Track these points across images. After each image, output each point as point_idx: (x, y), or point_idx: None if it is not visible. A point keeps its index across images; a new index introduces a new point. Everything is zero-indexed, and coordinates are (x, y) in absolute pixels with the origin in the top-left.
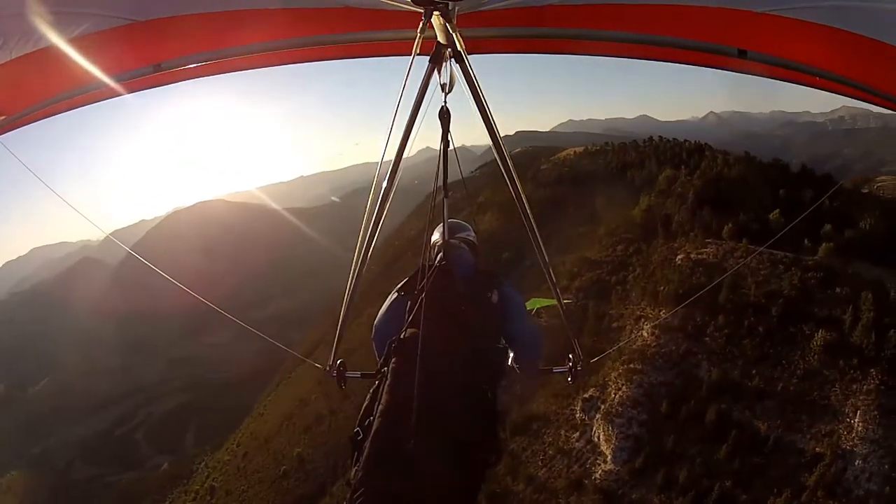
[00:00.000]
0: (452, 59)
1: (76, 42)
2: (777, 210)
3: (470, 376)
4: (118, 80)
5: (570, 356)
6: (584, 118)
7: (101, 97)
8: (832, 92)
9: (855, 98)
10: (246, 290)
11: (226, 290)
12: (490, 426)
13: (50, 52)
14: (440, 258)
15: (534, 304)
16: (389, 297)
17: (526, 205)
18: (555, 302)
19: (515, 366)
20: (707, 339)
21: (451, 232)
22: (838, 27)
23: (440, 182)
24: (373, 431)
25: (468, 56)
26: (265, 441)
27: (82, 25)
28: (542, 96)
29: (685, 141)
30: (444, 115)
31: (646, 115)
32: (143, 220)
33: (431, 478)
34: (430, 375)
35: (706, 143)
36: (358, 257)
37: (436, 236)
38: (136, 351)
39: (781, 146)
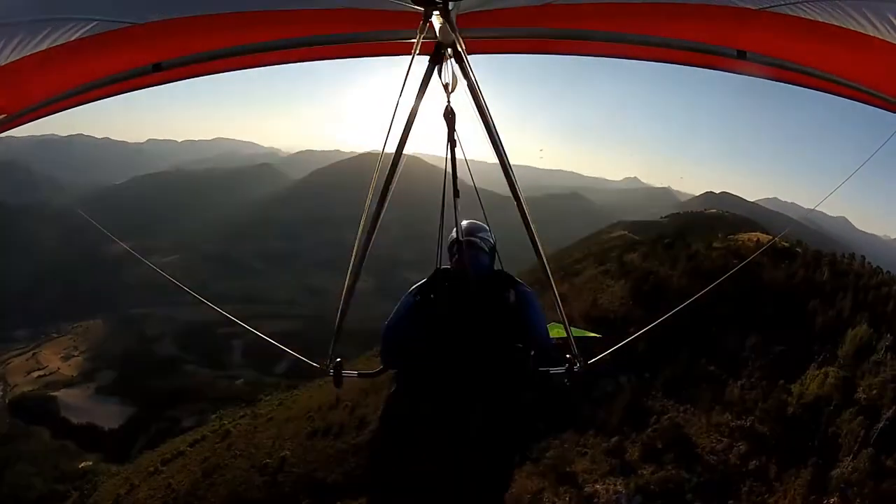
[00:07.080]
0: (453, 59)
1: (76, 44)
2: None
3: (491, 378)
4: (117, 79)
5: (568, 357)
6: (789, 200)
7: (101, 96)
8: (832, 94)
9: (854, 100)
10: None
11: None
12: (516, 430)
13: (50, 53)
14: (455, 260)
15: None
16: (404, 298)
17: (528, 215)
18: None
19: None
20: None
21: (466, 233)
22: (839, 25)
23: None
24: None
25: (468, 56)
26: (284, 420)
27: (82, 30)
28: (753, 164)
29: None
30: (449, 116)
31: (845, 219)
32: (337, 150)
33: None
34: (452, 379)
35: None
36: (355, 257)
37: (453, 236)
38: (277, 264)
39: None
